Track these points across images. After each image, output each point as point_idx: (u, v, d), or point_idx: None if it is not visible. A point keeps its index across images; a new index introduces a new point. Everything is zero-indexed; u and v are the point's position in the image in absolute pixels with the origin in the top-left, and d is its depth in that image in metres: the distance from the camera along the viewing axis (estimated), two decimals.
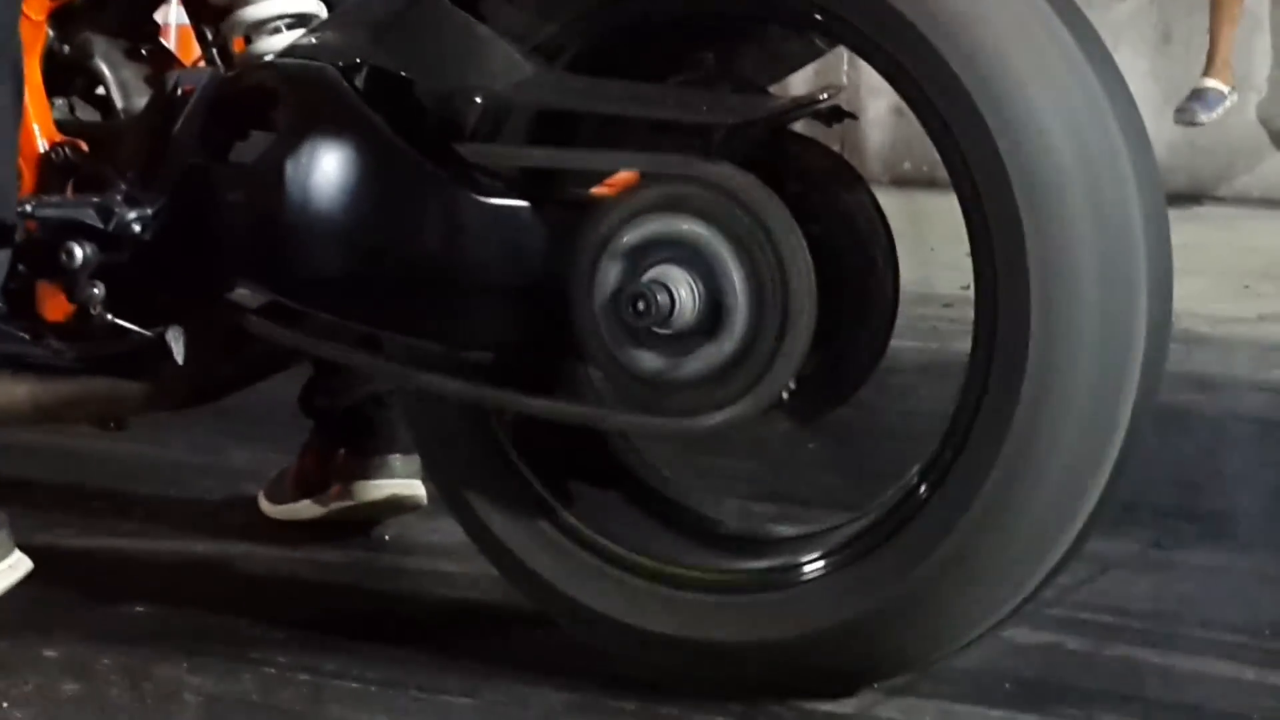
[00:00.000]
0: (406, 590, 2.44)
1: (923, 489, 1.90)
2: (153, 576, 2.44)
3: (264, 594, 2.38)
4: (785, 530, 2.09)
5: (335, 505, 2.60)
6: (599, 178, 2.07)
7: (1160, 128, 5.63)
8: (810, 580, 1.95)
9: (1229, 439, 3.37)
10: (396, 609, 2.35)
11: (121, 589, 2.35)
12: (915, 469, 1.92)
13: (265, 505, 2.69)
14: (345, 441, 2.61)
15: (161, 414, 2.36)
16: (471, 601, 2.34)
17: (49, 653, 2.14)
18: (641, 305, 1.89)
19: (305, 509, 2.64)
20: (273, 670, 2.09)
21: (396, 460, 2.56)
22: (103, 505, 2.75)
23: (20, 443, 2.76)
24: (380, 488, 2.57)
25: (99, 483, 2.85)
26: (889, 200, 2.00)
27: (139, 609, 2.29)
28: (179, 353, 2.15)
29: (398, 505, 2.59)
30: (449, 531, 2.43)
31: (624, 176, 2.04)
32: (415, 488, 2.57)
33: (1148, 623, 2.28)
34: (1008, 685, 2.05)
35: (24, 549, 2.16)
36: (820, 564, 1.96)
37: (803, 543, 2.01)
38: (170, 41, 2.56)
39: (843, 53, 2.02)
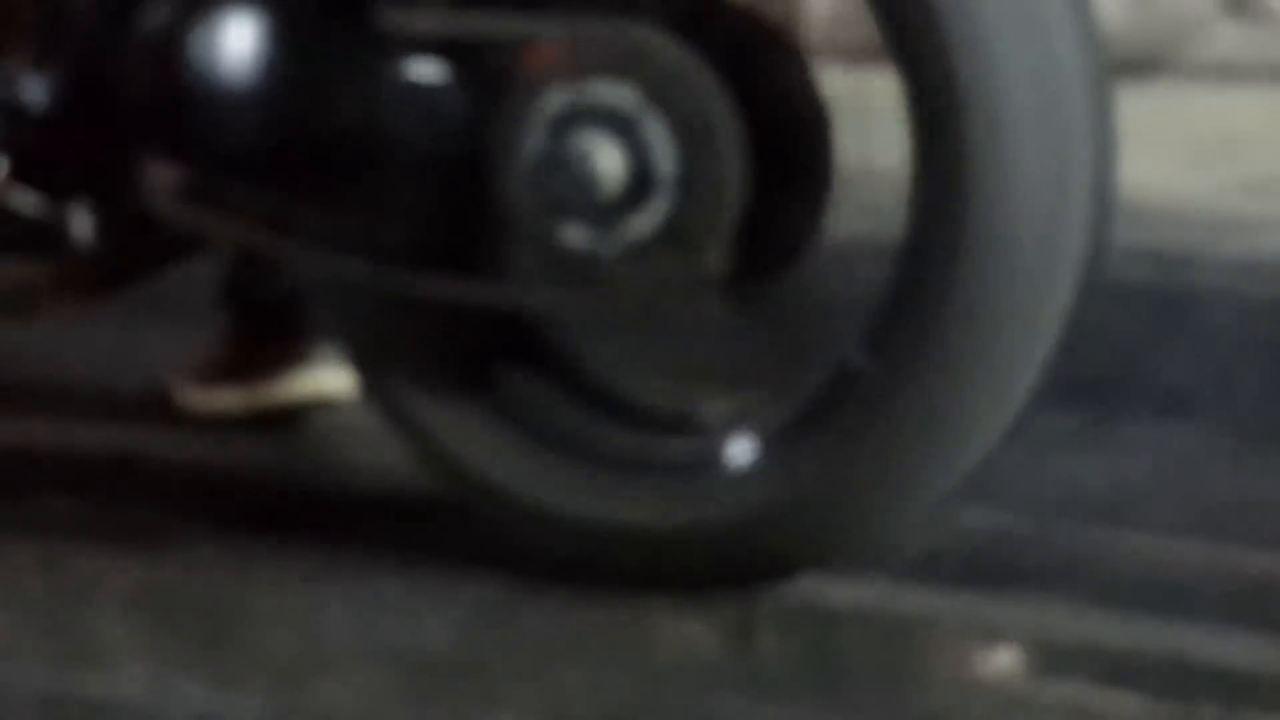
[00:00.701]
0: (330, 480, 2.42)
1: (860, 364, 1.89)
2: (69, 469, 2.41)
3: (187, 485, 2.36)
4: (715, 411, 2.06)
5: (261, 395, 2.55)
6: (524, 43, 2.01)
7: None
8: (745, 461, 1.95)
9: (1181, 314, 3.31)
10: (323, 499, 2.34)
11: (36, 482, 2.33)
12: (851, 344, 1.92)
13: (183, 394, 2.62)
14: (269, 330, 2.55)
15: (72, 302, 2.29)
16: (400, 491, 2.30)
17: None
18: (567, 175, 1.87)
19: (229, 395, 2.58)
20: (196, 561, 2.09)
21: (319, 352, 2.51)
22: (16, 397, 2.69)
23: None
24: (305, 380, 2.53)
25: (8, 375, 2.77)
26: (829, 73, 1.98)
27: (56, 502, 2.28)
28: (85, 230, 2.09)
29: (322, 399, 2.54)
30: (372, 420, 2.40)
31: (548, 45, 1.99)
32: (339, 379, 2.50)
33: (1100, 501, 2.27)
34: (956, 565, 2.06)
35: None
36: (753, 444, 1.95)
37: (732, 423, 2.00)
38: None
39: None
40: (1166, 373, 2.85)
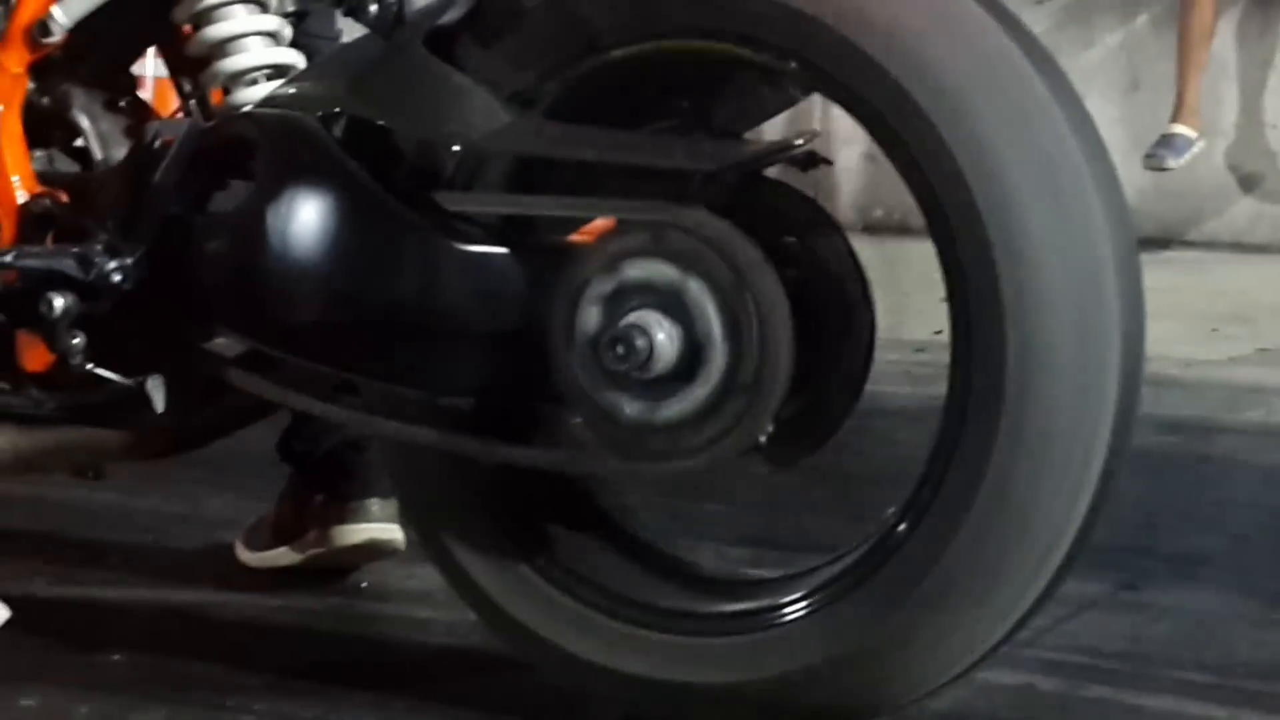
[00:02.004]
0: (384, 637, 2.44)
1: (900, 530, 1.90)
2: (130, 625, 2.44)
3: (241, 642, 2.38)
4: (761, 573, 2.08)
5: (312, 551, 2.60)
6: (577, 224, 2.08)
7: (1129, 173, 5.63)
8: (787, 622, 1.95)
9: (1200, 481, 3.37)
10: (373, 656, 2.35)
11: (99, 638, 2.35)
12: (891, 511, 1.92)
13: (243, 553, 2.68)
14: (322, 487, 2.60)
15: (140, 463, 2.36)
16: (449, 647, 2.34)
17: (26, 701, 2.13)
18: (620, 350, 1.89)
19: (282, 556, 2.64)
20: (250, 718, 2.09)
21: (374, 504, 2.56)
22: (79, 554, 2.75)
23: None
24: (357, 532, 2.57)
25: (75, 532, 2.85)
26: (862, 246, 1.99)
27: (116, 658, 2.29)
28: (159, 402, 2.14)
29: (375, 550, 2.58)
30: (426, 577, 2.44)
31: (601, 223, 2.04)
32: (393, 532, 2.56)
33: (1121, 664, 2.28)
34: None
35: (1, 598, 2.16)
36: (797, 606, 1.95)
37: (779, 585, 2.00)
38: (148, 94, 2.56)
39: (816, 100, 2.02)
40: (1186, 538, 2.88)
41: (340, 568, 2.62)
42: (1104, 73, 6.50)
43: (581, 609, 2.05)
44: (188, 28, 2.29)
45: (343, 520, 2.58)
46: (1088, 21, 6.64)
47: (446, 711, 2.09)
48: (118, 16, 2.30)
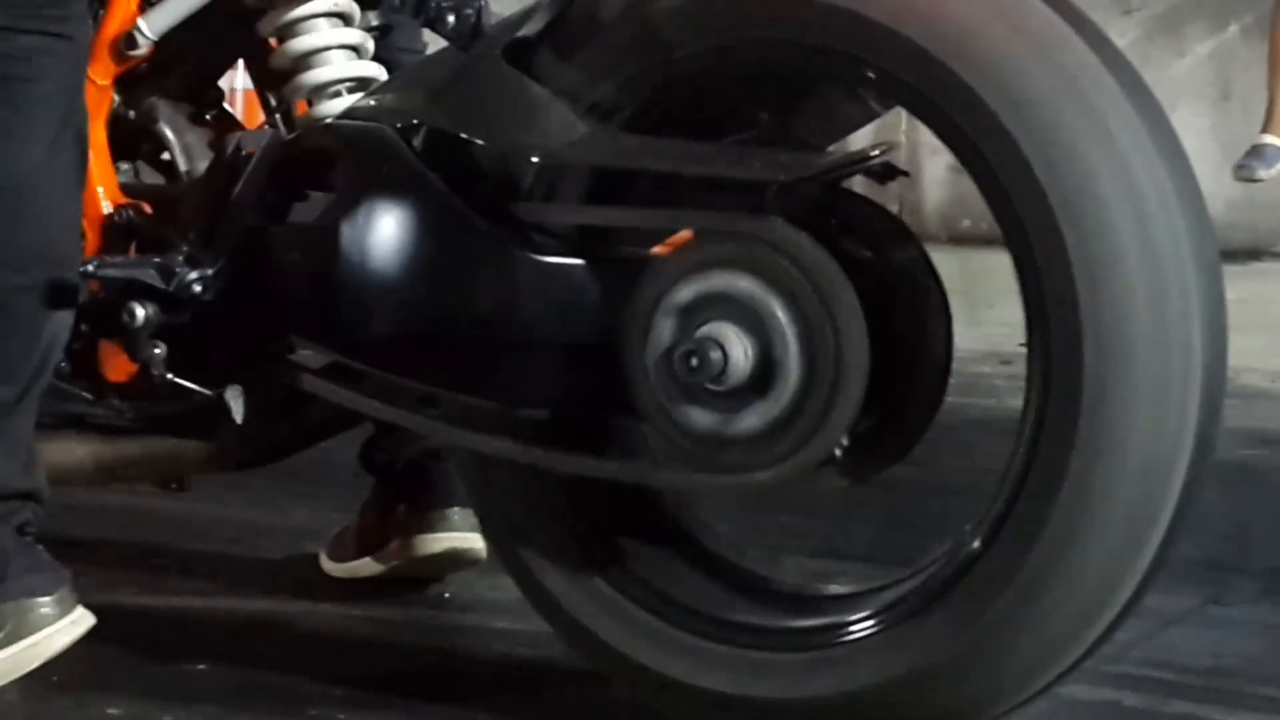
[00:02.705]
0: (465, 648, 2.45)
1: (976, 545, 1.88)
2: (215, 634, 2.45)
3: (324, 652, 2.38)
4: (838, 588, 2.07)
5: (395, 561, 2.61)
6: (654, 235, 2.07)
7: (1220, 184, 5.60)
8: (862, 638, 1.94)
9: None
10: (455, 666, 2.35)
11: (184, 647, 2.36)
12: (970, 525, 1.91)
13: (326, 563, 2.70)
14: (404, 496, 2.61)
15: (223, 473, 2.37)
16: (530, 659, 2.34)
17: (112, 710, 2.14)
18: (695, 362, 1.88)
19: (366, 566, 2.64)
20: None
21: (455, 514, 2.56)
22: (165, 563, 2.77)
23: (84, 501, 2.79)
24: (439, 541, 2.57)
25: (162, 541, 2.87)
26: (947, 258, 2.01)
27: (201, 667, 2.30)
28: (238, 412, 2.15)
29: (456, 559, 2.59)
30: (508, 589, 2.42)
31: (680, 234, 2.03)
32: (474, 540, 2.56)
33: (1207, 680, 2.26)
34: None
35: (87, 606, 2.16)
36: (872, 622, 1.94)
37: (855, 600, 1.99)
38: (237, 106, 2.58)
39: (900, 111, 2.01)
40: (1273, 552, 2.87)
41: (423, 578, 2.63)
42: (1194, 83, 6.47)
43: (657, 622, 2.04)
44: (273, 41, 2.30)
45: (424, 530, 2.58)
46: (1178, 32, 6.60)
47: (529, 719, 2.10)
48: (203, 30, 2.32)
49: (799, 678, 1.95)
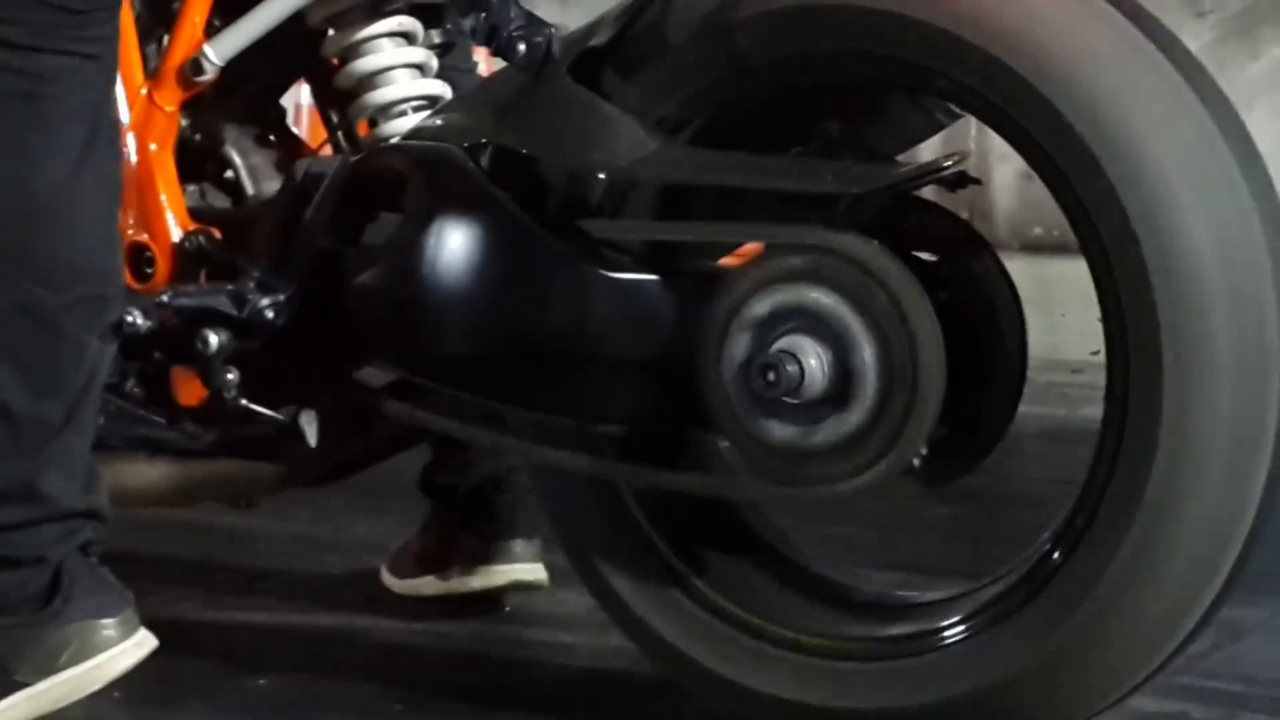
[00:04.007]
0: (528, 662, 2.47)
1: (1056, 555, 1.91)
2: (277, 649, 2.49)
3: (386, 666, 2.42)
4: (920, 596, 2.10)
5: (457, 585, 2.64)
6: (724, 249, 2.11)
7: None
8: (947, 646, 1.97)
9: None
10: (518, 681, 2.38)
11: (246, 662, 2.40)
12: (1047, 534, 1.94)
13: (388, 579, 2.73)
14: (466, 525, 2.64)
15: (276, 496, 2.41)
16: (594, 673, 2.37)
17: None
18: (772, 376, 1.91)
19: (428, 585, 2.67)
20: None
21: (517, 545, 2.60)
22: (227, 578, 2.81)
23: (147, 518, 2.78)
24: (502, 573, 2.61)
25: (224, 557, 2.92)
26: (1019, 266, 2.00)
27: (263, 682, 2.34)
28: (312, 436, 2.21)
29: (519, 589, 2.62)
30: (570, 602, 2.52)
31: (751, 247, 2.06)
32: (537, 572, 2.60)
33: (1276, 691, 2.27)
34: None
35: (150, 623, 2.19)
36: (957, 630, 1.97)
37: (938, 608, 2.03)
38: (302, 123, 2.62)
39: (970, 119, 2.03)
40: None
41: (484, 599, 2.65)
42: (1269, 85, 6.44)
43: (739, 635, 2.07)
44: (335, 60, 2.35)
45: (487, 561, 2.61)
46: (1252, 34, 6.58)
47: None
48: (267, 52, 2.36)
49: (878, 687, 1.99)
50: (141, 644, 2.17)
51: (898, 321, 1.88)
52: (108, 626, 2.12)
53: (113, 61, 2.16)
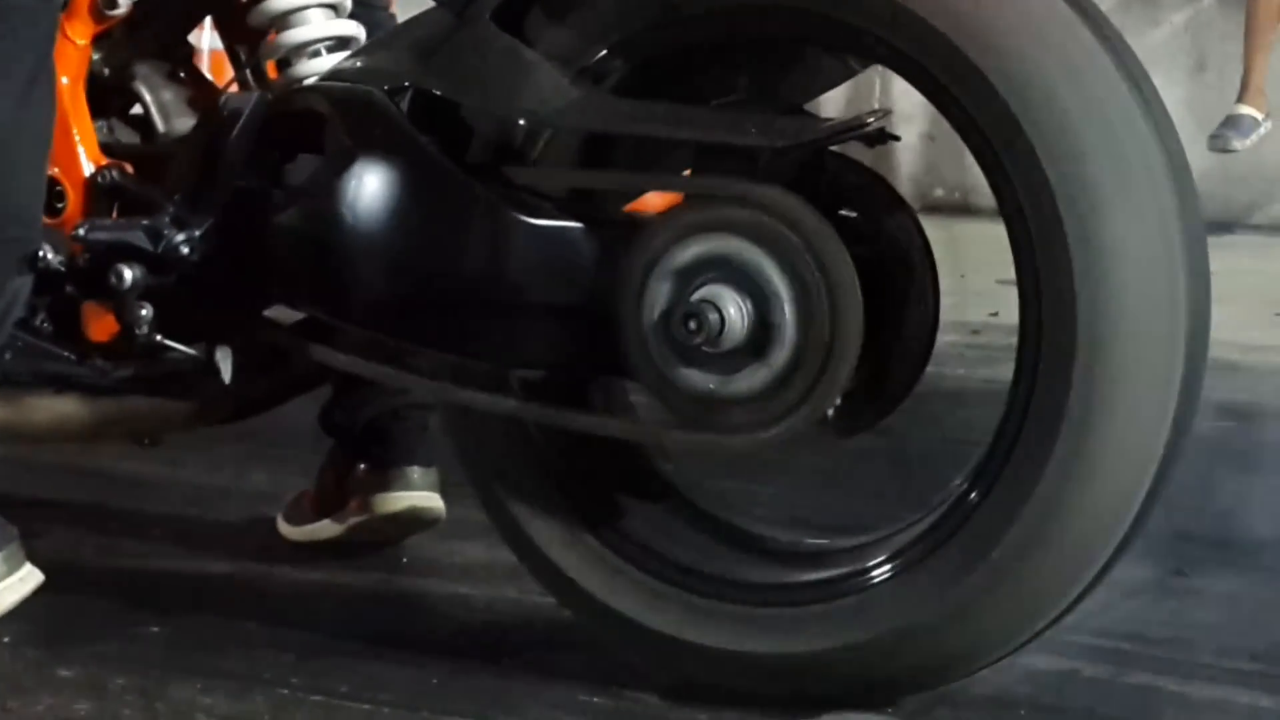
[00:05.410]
0: (422, 612, 2.50)
1: (973, 495, 1.99)
2: (169, 597, 2.49)
3: (280, 616, 2.43)
4: (837, 542, 2.15)
5: (354, 520, 2.67)
6: (633, 196, 2.17)
7: (1194, 155, 5.64)
8: (864, 589, 2.03)
9: (1255, 467, 3.42)
10: (412, 630, 2.40)
11: (137, 609, 2.41)
12: (959, 480, 2.01)
13: (284, 527, 2.76)
14: (363, 456, 2.67)
15: (184, 434, 2.45)
16: (488, 624, 2.41)
17: (63, 672, 2.19)
18: (693, 324, 1.97)
19: (324, 529, 2.71)
20: (286, 691, 2.15)
21: (415, 472, 2.63)
22: (122, 525, 2.82)
23: (40, 462, 2.86)
24: (399, 499, 2.64)
25: (117, 503, 2.93)
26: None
27: (154, 629, 2.35)
28: (226, 372, 2.24)
29: (416, 517, 2.65)
30: (466, 553, 2.56)
31: (651, 196, 2.14)
32: (434, 500, 2.64)
33: (1166, 650, 2.32)
34: (1023, 711, 2.11)
35: (42, 567, 2.21)
36: (881, 570, 2.03)
37: (855, 553, 2.09)
38: (202, 66, 2.66)
39: (875, 77, 2.10)
40: (1238, 525, 2.94)
41: (381, 541, 2.69)
42: (1169, 53, 6.55)
43: (656, 581, 2.12)
44: None
45: (384, 488, 2.64)
46: (1154, 1, 6.71)
47: (483, 688, 2.15)
48: None
49: (794, 632, 2.05)
50: (26, 579, 2.20)
51: (818, 275, 1.94)
52: None
53: (57, 1, 2.19)
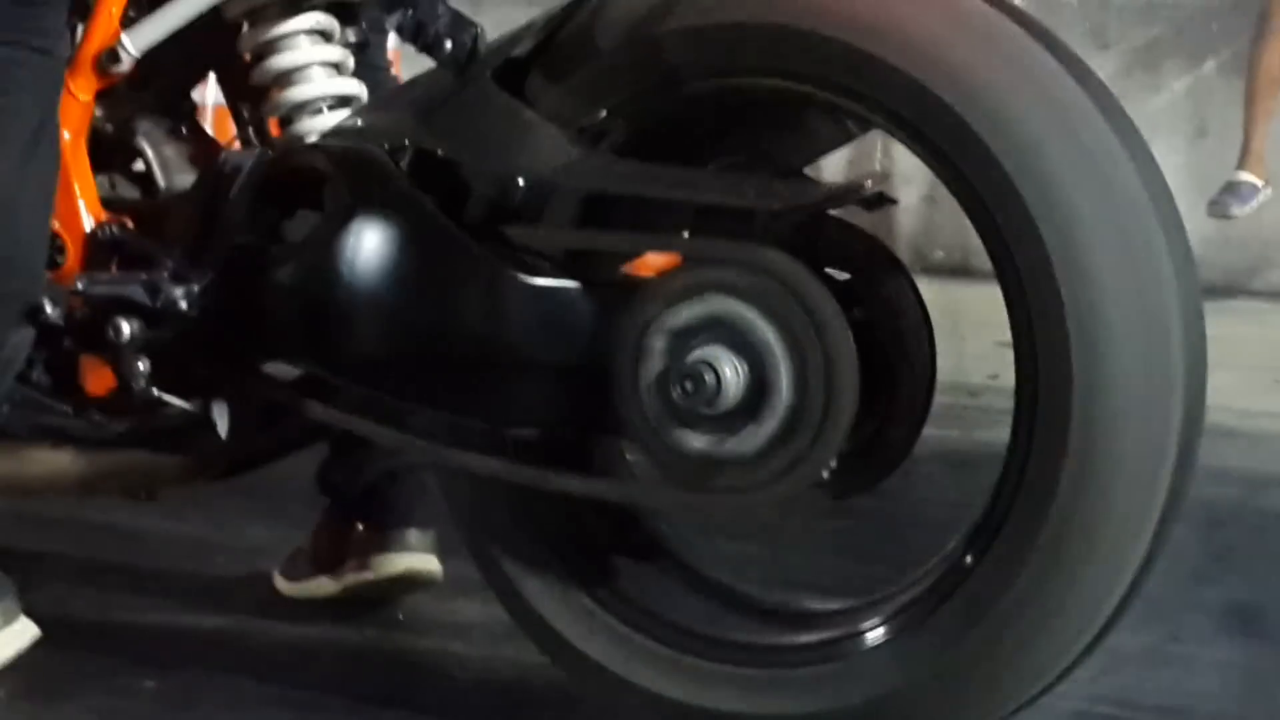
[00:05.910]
0: (420, 670, 2.51)
1: (968, 559, 1.99)
2: (165, 651, 2.51)
3: (275, 671, 2.44)
4: (832, 604, 2.16)
5: (351, 579, 2.69)
6: (632, 257, 2.18)
7: (1194, 220, 5.65)
8: (858, 652, 2.04)
9: (1253, 534, 3.42)
10: (407, 688, 2.41)
11: (133, 663, 2.43)
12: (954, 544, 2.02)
13: (281, 583, 2.78)
14: (361, 517, 2.69)
15: (185, 488, 2.44)
16: (485, 683, 2.41)
17: None
18: (690, 385, 1.98)
19: (321, 586, 2.73)
20: None
21: (412, 534, 2.66)
22: (118, 578, 2.84)
23: (38, 514, 2.88)
24: (397, 561, 2.66)
25: (115, 556, 2.95)
26: (919, 288, 2.07)
27: (149, 684, 2.37)
28: (223, 427, 2.26)
29: (413, 579, 2.68)
30: (462, 612, 2.57)
31: (658, 257, 2.14)
32: (430, 562, 2.66)
33: (1159, 717, 2.33)
34: None
35: (38, 620, 2.22)
36: (875, 633, 2.04)
37: (850, 615, 2.09)
38: (205, 122, 2.68)
39: (877, 140, 2.11)
40: (1235, 592, 2.93)
41: (377, 599, 2.71)
42: (1170, 119, 6.57)
43: (652, 643, 2.14)
44: (249, 56, 2.40)
45: (382, 549, 2.67)
46: (1155, 67, 6.73)
47: None
48: (182, 45, 2.41)
49: (787, 694, 2.06)
50: (22, 633, 2.22)
51: (814, 337, 1.96)
52: None
53: (63, 57, 2.21)
